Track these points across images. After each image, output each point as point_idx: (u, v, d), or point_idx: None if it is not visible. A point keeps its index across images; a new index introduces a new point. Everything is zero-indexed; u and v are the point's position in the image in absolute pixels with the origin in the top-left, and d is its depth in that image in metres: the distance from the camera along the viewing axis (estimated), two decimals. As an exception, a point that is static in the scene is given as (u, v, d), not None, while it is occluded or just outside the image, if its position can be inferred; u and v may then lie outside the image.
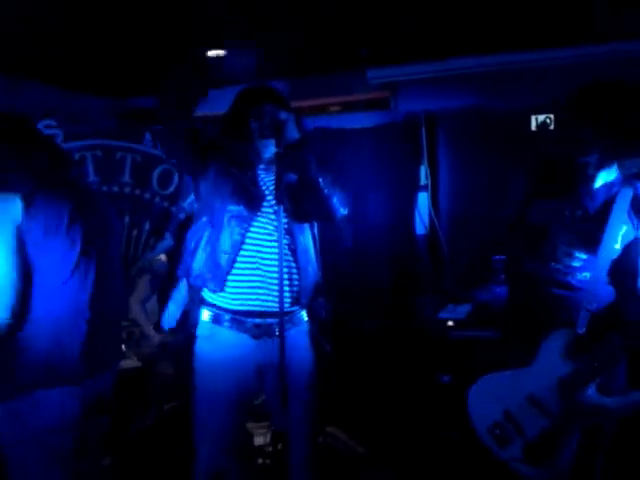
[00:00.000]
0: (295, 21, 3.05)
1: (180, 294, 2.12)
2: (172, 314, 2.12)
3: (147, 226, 3.95)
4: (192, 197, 2.28)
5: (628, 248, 1.90)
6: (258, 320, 2.10)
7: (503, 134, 3.52)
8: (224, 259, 2.07)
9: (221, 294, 2.10)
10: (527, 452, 1.82)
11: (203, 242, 2.12)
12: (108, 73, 3.83)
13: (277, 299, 2.00)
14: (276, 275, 2.04)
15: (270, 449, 2.81)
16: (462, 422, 2.87)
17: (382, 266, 3.68)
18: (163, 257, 3.28)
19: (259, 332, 2.10)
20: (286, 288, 2.07)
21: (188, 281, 2.15)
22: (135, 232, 3.93)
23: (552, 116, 3.46)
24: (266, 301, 2.08)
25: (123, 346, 3.03)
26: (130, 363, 2.98)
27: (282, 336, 1.98)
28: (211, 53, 3.61)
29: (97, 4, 2.72)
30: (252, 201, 2.10)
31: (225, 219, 2.08)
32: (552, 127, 3.46)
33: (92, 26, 3.01)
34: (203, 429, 2.11)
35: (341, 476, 2.85)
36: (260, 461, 2.79)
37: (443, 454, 2.90)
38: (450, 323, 3.04)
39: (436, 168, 3.77)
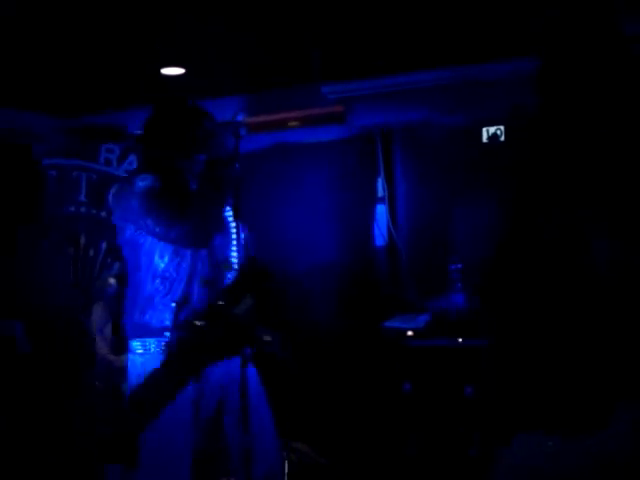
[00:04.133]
0: (251, 37, 3.09)
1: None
2: None
3: (104, 245, 3.91)
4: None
5: None
6: None
7: (456, 146, 3.61)
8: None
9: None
10: None
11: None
12: (58, 91, 3.78)
13: None
14: None
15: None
16: (422, 430, 2.94)
17: (342, 277, 3.71)
18: (112, 280, 3.27)
19: None
20: None
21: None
22: (92, 252, 3.88)
23: (502, 128, 3.56)
24: None
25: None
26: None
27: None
28: (166, 71, 3.61)
29: (46, 21, 2.70)
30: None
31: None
32: (502, 138, 3.56)
33: (40, 43, 2.98)
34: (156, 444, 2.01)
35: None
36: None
37: (404, 463, 2.94)
38: (410, 333, 3.08)
39: (393, 180, 3.83)
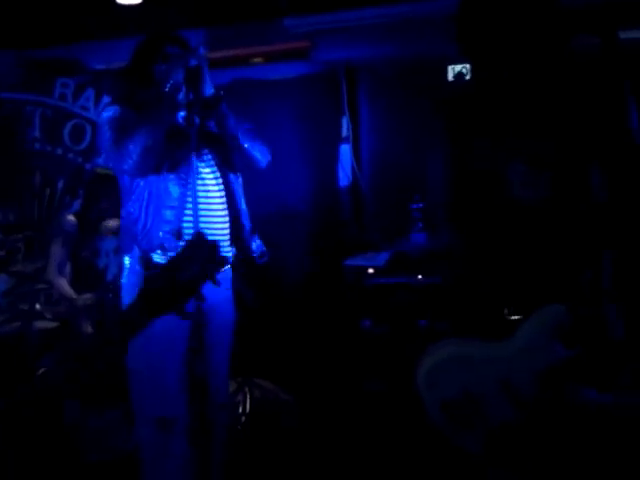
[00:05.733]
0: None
1: (131, 269, 2.13)
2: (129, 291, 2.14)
3: (61, 184, 3.81)
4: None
5: None
6: None
7: (421, 84, 3.56)
8: (171, 214, 2.07)
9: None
10: (487, 442, 1.54)
11: (145, 205, 2.10)
12: (7, 23, 3.59)
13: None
14: (219, 225, 2.15)
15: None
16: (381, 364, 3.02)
17: (305, 217, 3.70)
18: (72, 217, 3.19)
19: None
20: (225, 236, 2.18)
21: (141, 247, 2.09)
22: (48, 190, 3.78)
23: (468, 66, 3.51)
24: None
25: (38, 306, 2.97)
26: (47, 324, 2.92)
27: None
28: (122, 0, 3.45)
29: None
30: (183, 150, 2.10)
31: (162, 175, 2.08)
32: (468, 77, 3.52)
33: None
34: (146, 375, 2.12)
35: (267, 422, 2.94)
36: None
37: (365, 398, 3.03)
38: (370, 271, 3.12)
39: (357, 119, 3.78)
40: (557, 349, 1.51)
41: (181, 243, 2.03)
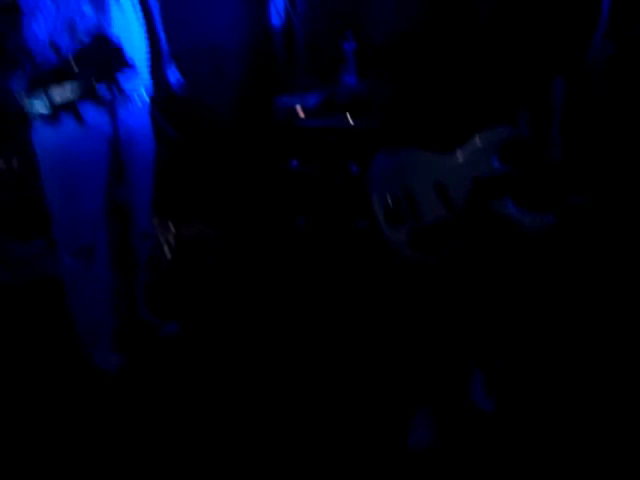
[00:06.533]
0: None
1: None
2: None
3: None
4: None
5: None
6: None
7: None
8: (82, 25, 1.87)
9: None
10: (414, 237, 1.67)
11: (56, 28, 1.88)
12: None
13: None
14: (137, 50, 2.00)
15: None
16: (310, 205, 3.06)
17: (234, 58, 3.51)
18: None
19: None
20: (143, 62, 2.05)
21: (36, 59, 1.88)
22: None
23: None
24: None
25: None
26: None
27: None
28: None
29: None
30: None
31: None
32: None
33: None
34: (65, 201, 2.07)
35: (193, 258, 2.97)
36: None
37: (294, 236, 3.09)
38: (300, 114, 3.04)
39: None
40: (494, 163, 1.63)
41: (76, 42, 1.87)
